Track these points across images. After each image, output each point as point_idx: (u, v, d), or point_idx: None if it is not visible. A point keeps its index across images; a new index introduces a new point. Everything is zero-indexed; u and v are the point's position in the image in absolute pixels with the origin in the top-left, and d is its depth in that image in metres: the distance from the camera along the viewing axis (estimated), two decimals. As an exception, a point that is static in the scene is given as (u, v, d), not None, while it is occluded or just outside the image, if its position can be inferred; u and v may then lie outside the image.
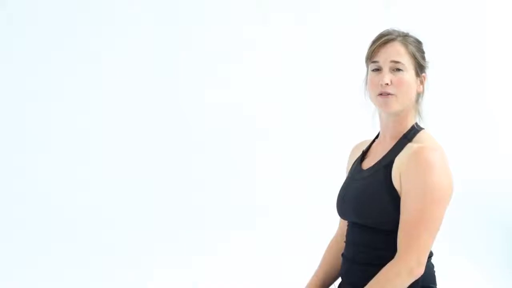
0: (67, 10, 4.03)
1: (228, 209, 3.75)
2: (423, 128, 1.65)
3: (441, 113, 4.15)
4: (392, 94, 1.60)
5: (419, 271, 1.50)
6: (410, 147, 1.56)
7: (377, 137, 1.74)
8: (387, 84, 1.60)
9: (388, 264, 1.51)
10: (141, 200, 3.83)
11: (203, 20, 4.06)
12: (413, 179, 1.52)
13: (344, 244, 1.73)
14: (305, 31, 4.19)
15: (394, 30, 1.66)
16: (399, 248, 1.51)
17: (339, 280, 1.73)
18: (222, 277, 3.14)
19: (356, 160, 1.75)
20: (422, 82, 1.65)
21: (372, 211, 1.58)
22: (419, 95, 1.66)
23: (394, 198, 1.55)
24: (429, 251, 1.52)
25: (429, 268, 1.63)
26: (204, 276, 3.14)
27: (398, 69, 1.61)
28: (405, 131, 1.64)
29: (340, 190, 1.75)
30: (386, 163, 1.59)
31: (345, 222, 1.76)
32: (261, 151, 3.86)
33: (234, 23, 4.05)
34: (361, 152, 1.77)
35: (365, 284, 1.57)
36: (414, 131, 1.63)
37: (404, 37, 1.64)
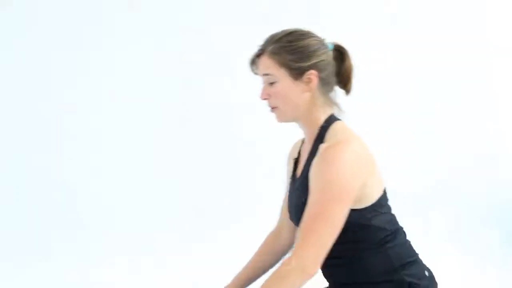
0: (67, 9, 4.03)
1: (228, 208, 3.75)
2: (337, 120, 1.62)
3: (444, 113, 4.15)
4: (275, 107, 1.63)
5: (313, 270, 1.46)
6: (320, 149, 1.55)
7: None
8: (266, 98, 1.62)
9: (283, 260, 1.50)
10: (141, 201, 3.83)
11: (203, 20, 4.06)
12: (314, 176, 1.51)
13: (283, 239, 1.83)
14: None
15: (267, 39, 1.64)
16: (295, 244, 1.49)
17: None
18: (223, 277, 3.14)
19: (292, 168, 1.76)
20: (310, 81, 1.60)
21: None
22: (317, 92, 1.62)
23: None
24: (326, 250, 1.47)
25: (400, 245, 1.63)
26: (204, 276, 3.13)
27: (272, 82, 1.61)
28: (317, 132, 1.63)
29: (286, 200, 1.80)
30: (306, 171, 1.59)
31: (286, 217, 1.81)
32: (261, 151, 3.86)
33: (235, 23, 4.05)
34: (295, 155, 1.78)
35: (342, 277, 1.62)
36: (324, 128, 1.61)
37: (274, 46, 1.61)
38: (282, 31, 1.63)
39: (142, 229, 3.60)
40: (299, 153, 1.75)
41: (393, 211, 1.69)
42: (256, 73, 1.67)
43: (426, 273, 1.67)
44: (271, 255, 1.89)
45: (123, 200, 3.81)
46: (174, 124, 3.96)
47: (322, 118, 1.63)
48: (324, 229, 1.45)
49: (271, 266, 1.90)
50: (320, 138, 1.61)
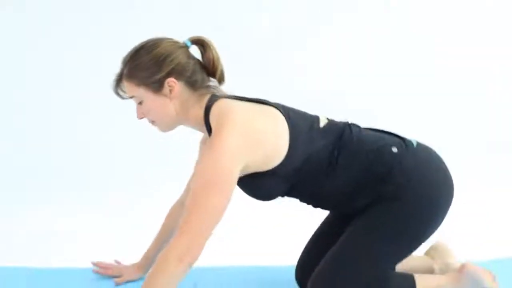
0: (67, 10, 4.04)
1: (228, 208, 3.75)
2: (212, 104, 1.62)
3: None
4: (153, 121, 1.67)
5: (190, 259, 1.47)
6: None
7: None
8: (142, 117, 1.66)
9: (161, 252, 1.51)
10: (142, 201, 3.83)
11: (203, 19, 4.07)
12: (195, 166, 1.57)
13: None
14: (304, 31, 4.21)
15: (122, 62, 1.66)
16: (176, 234, 1.50)
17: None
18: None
19: None
20: (172, 88, 1.62)
21: (252, 192, 1.68)
22: (185, 94, 1.64)
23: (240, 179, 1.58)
24: (205, 237, 1.48)
25: (352, 147, 1.63)
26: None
27: (140, 102, 1.65)
28: (204, 127, 1.64)
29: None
30: None
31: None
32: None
33: (234, 22, 4.06)
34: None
35: (330, 207, 1.70)
36: (207, 121, 1.62)
37: (127, 68, 1.64)
38: (131, 50, 1.65)
39: (142, 228, 3.60)
40: None
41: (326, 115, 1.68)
42: (124, 98, 1.69)
43: (394, 149, 1.65)
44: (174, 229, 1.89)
45: (123, 199, 3.81)
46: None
47: (201, 113, 1.64)
48: (200, 218, 1.46)
49: None
50: (210, 131, 1.61)
